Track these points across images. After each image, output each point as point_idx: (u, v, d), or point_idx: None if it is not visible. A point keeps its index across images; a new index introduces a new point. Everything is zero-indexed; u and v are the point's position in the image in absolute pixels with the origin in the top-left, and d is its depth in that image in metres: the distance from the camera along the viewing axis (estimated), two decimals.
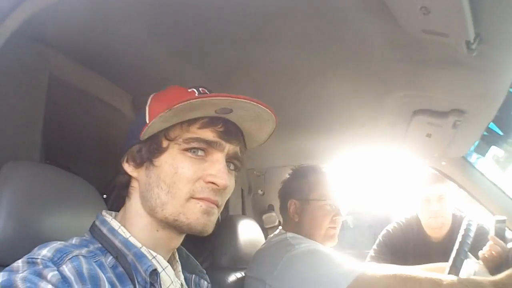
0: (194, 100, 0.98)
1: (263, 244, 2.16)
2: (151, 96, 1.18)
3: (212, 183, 1.05)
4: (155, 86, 1.45)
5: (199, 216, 1.05)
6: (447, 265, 2.02)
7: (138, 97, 1.71)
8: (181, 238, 1.15)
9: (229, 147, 1.10)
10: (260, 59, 1.58)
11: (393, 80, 1.75)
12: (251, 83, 1.74)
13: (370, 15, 1.29)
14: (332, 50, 1.49)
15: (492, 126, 2.13)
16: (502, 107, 1.84)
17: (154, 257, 1.06)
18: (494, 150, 2.33)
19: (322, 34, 1.39)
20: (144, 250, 1.05)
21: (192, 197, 1.05)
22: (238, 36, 1.41)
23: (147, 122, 1.06)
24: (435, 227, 2.82)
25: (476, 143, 2.42)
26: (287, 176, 2.29)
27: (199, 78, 1.65)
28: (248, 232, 2.47)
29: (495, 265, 2.12)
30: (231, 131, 1.10)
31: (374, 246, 2.99)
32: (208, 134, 1.07)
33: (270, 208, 3.10)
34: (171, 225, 1.07)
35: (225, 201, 1.14)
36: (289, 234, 2.03)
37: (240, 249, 2.31)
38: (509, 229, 2.36)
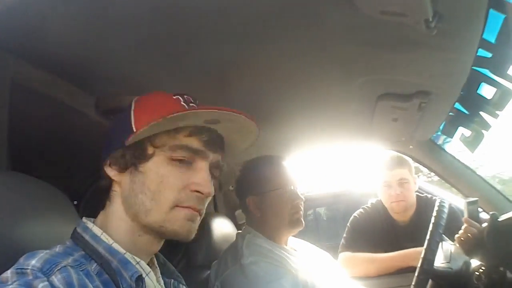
0: (186, 112, 1.01)
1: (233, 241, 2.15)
2: (134, 100, 1.17)
3: (197, 191, 1.07)
4: (117, 86, 1.42)
5: (184, 223, 1.06)
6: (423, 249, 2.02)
7: (101, 98, 1.67)
8: (161, 243, 1.15)
9: (213, 157, 1.12)
10: (231, 54, 1.54)
11: (354, 65, 1.73)
12: (222, 78, 1.72)
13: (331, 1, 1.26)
14: (293, 38, 1.46)
15: (458, 106, 2.12)
16: (466, 86, 1.84)
17: (137, 263, 1.06)
18: (461, 131, 2.33)
19: (281, 22, 1.36)
20: (128, 256, 1.05)
21: (176, 205, 1.06)
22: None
23: (133, 128, 1.07)
24: (397, 211, 2.84)
25: (443, 124, 2.42)
26: (238, 173, 2.27)
27: (174, 81, 1.65)
28: (221, 230, 2.47)
29: (471, 247, 2.11)
30: (215, 140, 1.12)
31: (344, 234, 2.98)
32: (194, 142, 1.08)
33: None
34: (154, 231, 1.08)
35: (205, 208, 1.14)
36: (248, 237, 2.04)
37: (214, 246, 2.31)
38: (482, 209, 2.37)
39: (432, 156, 2.71)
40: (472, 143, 2.32)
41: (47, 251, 0.96)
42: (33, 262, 0.90)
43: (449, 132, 2.42)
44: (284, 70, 1.72)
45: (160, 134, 1.07)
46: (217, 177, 1.17)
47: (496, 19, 1.36)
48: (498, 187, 2.85)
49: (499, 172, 14.65)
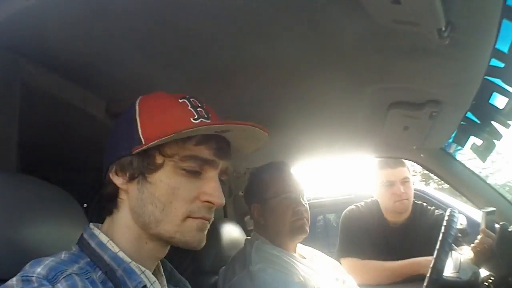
0: (204, 127, 1.01)
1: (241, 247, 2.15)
2: (138, 104, 1.13)
3: (209, 202, 1.06)
4: (125, 87, 1.42)
5: (195, 234, 1.05)
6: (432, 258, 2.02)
7: (112, 103, 1.67)
8: (167, 248, 1.13)
9: (222, 164, 1.10)
10: (237, 58, 1.55)
11: (366, 72, 1.73)
12: (229, 81, 1.72)
13: (341, 8, 1.26)
14: (303, 42, 1.46)
15: (469, 115, 2.11)
16: (478, 95, 1.83)
17: (142, 272, 1.04)
18: (473, 140, 2.32)
19: (291, 26, 1.36)
20: (133, 265, 1.03)
21: (189, 217, 1.04)
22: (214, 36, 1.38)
23: (141, 137, 1.04)
24: (400, 211, 2.80)
25: (454, 133, 2.42)
26: (247, 182, 2.29)
27: (178, 82, 1.65)
28: (230, 236, 2.46)
29: (485, 258, 2.11)
30: (224, 148, 1.10)
31: (339, 235, 3.00)
32: (204, 151, 1.06)
33: None
34: (163, 240, 1.07)
35: None
36: (256, 243, 2.04)
37: (223, 252, 2.31)
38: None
39: (443, 165, 2.70)
40: (483, 152, 2.32)
41: (53, 258, 0.95)
42: (39, 269, 0.89)
43: (461, 141, 2.41)
44: (294, 75, 1.71)
45: (170, 143, 1.05)
46: (225, 182, 1.16)
47: (509, 29, 1.36)
48: (508, 195, 2.83)
49: (510, 181, 14.57)
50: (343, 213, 3.05)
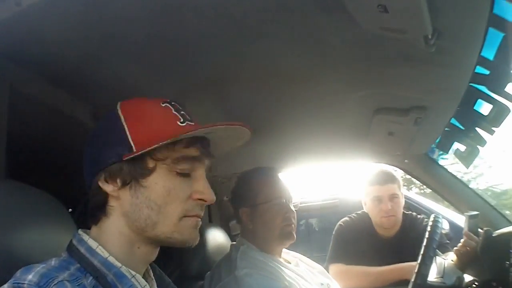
0: (195, 132, 1.04)
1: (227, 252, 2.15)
2: (120, 110, 1.11)
3: (201, 199, 1.09)
4: (114, 93, 1.41)
5: (191, 231, 1.08)
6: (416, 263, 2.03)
7: (99, 108, 1.67)
8: (157, 251, 1.14)
9: (208, 163, 1.13)
10: (226, 64, 1.56)
11: (353, 79, 1.74)
12: (216, 89, 1.72)
13: (329, 15, 1.27)
14: (295, 52, 1.48)
15: (453, 121, 2.13)
16: (463, 102, 1.86)
17: (133, 276, 1.04)
18: (456, 146, 2.35)
19: (280, 31, 1.36)
20: (123, 269, 1.03)
21: (184, 216, 1.06)
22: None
23: (131, 143, 1.04)
24: (387, 227, 2.83)
25: (438, 139, 2.44)
26: (234, 184, 2.26)
27: (170, 88, 1.65)
28: (216, 240, 2.46)
29: (468, 261, 2.13)
30: (207, 147, 1.13)
31: (331, 243, 3.00)
32: (193, 152, 1.08)
33: None
34: (159, 241, 1.09)
35: None
36: (242, 248, 2.02)
37: (208, 257, 2.30)
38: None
39: (427, 170, 2.73)
40: (467, 158, 2.34)
41: (43, 264, 0.95)
42: (30, 277, 0.89)
43: (445, 147, 2.44)
44: (281, 81, 1.72)
45: (159, 147, 1.04)
46: (208, 179, 1.17)
47: (495, 37, 1.37)
48: (491, 200, 2.86)
49: (492, 185, 14.70)
50: (337, 224, 3.06)
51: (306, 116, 2.12)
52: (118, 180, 1.06)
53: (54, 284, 0.89)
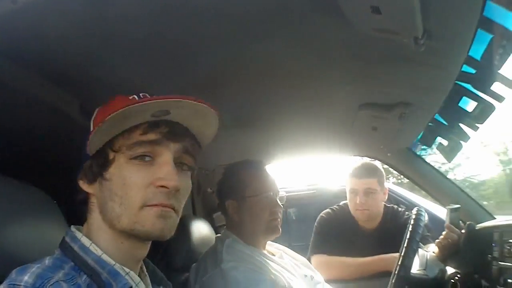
0: (122, 110, 0.97)
1: (212, 244, 2.16)
2: (97, 109, 1.16)
3: (162, 186, 1.03)
4: (109, 90, 1.40)
5: (154, 222, 1.03)
6: (398, 256, 2.07)
7: (86, 103, 1.65)
8: (146, 247, 1.13)
9: (175, 146, 1.08)
10: (214, 55, 1.53)
11: (341, 75, 1.75)
12: (205, 78, 1.70)
13: (322, 15, 1.28)
14: (286, 48, 1.48)
15: (437, 117, 2.16)
16: (448, 99, 1.88)
17: (127, 273, 1.05)
18: (439, 140, 2.38)
19: (275, 33, 1.37)
20: (117, 267, 1.03)
21: (145, 205, 1.03)
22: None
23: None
24: (360, 219, 2.89)
25: (421, 134, 2.47)
26: (221, 176, 2.25)
27: (158, 81, 1.64)
28: (200, 232, 2.45)
29: (450, 253, 2.17)
30: (176, 130, 1.08)
31: (313, 234, 3.03)
32: (151, 136, 1.05)
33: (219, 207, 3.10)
34: (131, 235, 1.05)
35: (182, 204, 1.11)
36: (227, 241, 2.03)
37: (193, 249, 2.29)
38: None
39: (410, 164, 2.77)
40: (450, 152, 2.38)
41: (38, 264, 0.95)
42: (26, 277, 0.89)
43: (428, 142, 2.48)
44: (270, 76, 1.72)
45: (117, 138, 1.05)
46: (192, 166, 1.14)
47: (483, 37, 1.40)
48: (468, 190, 2.91)
49: (470, 176, 14.87)
50: (319, 216, 3.09)
51: (292, 110, 2.13)
52: (89, 176, 1.08)
53: (50, 285, 0.89)
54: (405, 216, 2.84)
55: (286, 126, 2.36)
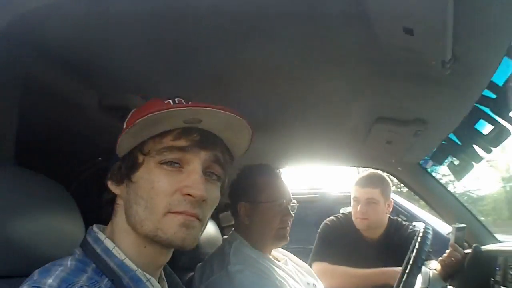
0: (153, 114, 0.97)
1: (219, 245, 2.17)
2: (132, 111, 1.16)
3: (189, 195, 1.01)
4: (121, 84, 1.42)
5: (176, 230, 1.01)
6: (401, 270, 2.08)
7: (106, 95, 1.66)
8: (169, 254, 1.12)
9: (205, 155, 1.06)
10: (227, 54, 1.52)
11: (360, 88, 1.76)
12: (215, 76, 1.69)
13: (349, 26, 1.28)
14: (306, 52, 1.47)
15: (452, 136, 2.18)
16: (465, 120, 1.90)
17: (148, 280, 1.04)
18: (451, 158, 2.40)
19: (296, 35, 1.36)
20: (139, 273, 1.03)
21: (169, 212, 1.01)
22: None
23: None
24: (360, 228, 2.91)
25: (433, 151, 2.49)
26: (235, 177, 2.22)
27: (172, 81, 1.65)
28: (206, 232, 2.45)
29: (452, 271, 2.19)
30: (207, 139, 1.07)
31: (316, 241, 3.05)
32: (181, 142, 1.04)
33: (227, 207, 3.10)
34: (152, 241, 1.04)
35: (208, 214, 1.10)
36: (235, 244, 2.03)
37: (198, 249, 2.30)
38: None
39: (419, 180, 2.79)
40: (460, 171, 2.40)
41: (61, 267, 0.94)
42: (50, 281, 0.88)
43: (439, 159, 2.49)
44: (287, 80, 1.71)
45: (148, 141, 1.04)
46: (220, 175, 1.11)
47: (508, 66, 1.42)
48: (467, 205, 2.93)
49: (469, 190, 14.81)
50: (323, 222, 3.11)
51: (307, 117, 2.13)
52: (117, 178, 1.09)
53: None
54: (409, 230, 2.85)
55: (299, 132, 2.37)
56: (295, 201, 2.16)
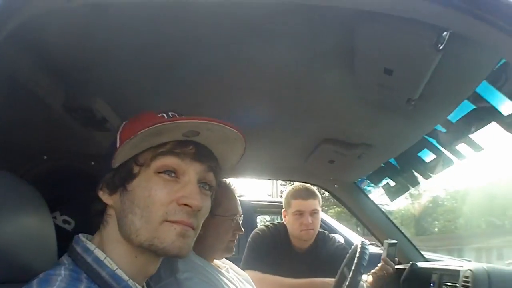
0: (156, 126, 0.98)
1: None
2: (123, 123, 1.17)
3: (186, 205, 1.02)
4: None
5: (174, 239, 1.02)
6: (334, 282, 2.20)
7: (70, 95, 1.63)
8: (158, 263, 1.13)
9: (200, 167, 1.07)
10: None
11: (314, 110, 1.82)
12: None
13: (334, 60, 1.35)
14: (289, 68, 1.49)
15: (392, 160, 2.31)
16: (409, 148, 2.03)
17: None
18: (387, 180, 2.54)
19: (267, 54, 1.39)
20: (131, 283, 1.03)
21: (165, 220, 1.01)
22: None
23: (117, 148, 1.05)
24: (306, 239, 2.94)
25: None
26: None
27: (160, 85, 1.65)
28: None
29: (382, 283, 2.33)
30: (202, 152, 1.08)
31: (246, 250, 3.06)
32: (179, 155, 1.05)
33: None
34: (148, 250, 1.04)
35: (201, 223, 1.11)
36: None
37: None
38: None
39: (354, 198, 2.90)
40: (394, 193, 2.55)
41: (59, 277, 0.94)
42: None
43: (375, 180, 2.63)
44: (249, 89, 1.71)
45: (143, 153, 1.04)
46: (213, 185, 1.13)
47: (466, 107, 1.54)
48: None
49: (378, 204, 15.28)
50: (253, 231, 3.14)
51: (261, 130, 2.13)
52: (110, 187, 1.09)
53: None
54: (337, 243, 2.97)
55: (256, 146, 2.38)
56: (242, 215, 2.21)
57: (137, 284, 1.05)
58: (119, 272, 1.03)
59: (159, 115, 1.12)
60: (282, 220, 3.06)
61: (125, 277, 1.03)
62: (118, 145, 1.08)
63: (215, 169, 1.13)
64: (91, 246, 1.05)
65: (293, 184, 3.08)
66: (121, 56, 1.43)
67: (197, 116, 1.02)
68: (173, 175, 1.05)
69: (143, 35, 1.31)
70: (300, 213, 2.88)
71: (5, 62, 1.28)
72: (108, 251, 1.05)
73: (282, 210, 3.03)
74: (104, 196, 1.10)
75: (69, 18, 1.17)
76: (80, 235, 1.09)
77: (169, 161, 1.05)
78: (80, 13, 1.16)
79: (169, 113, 1.12)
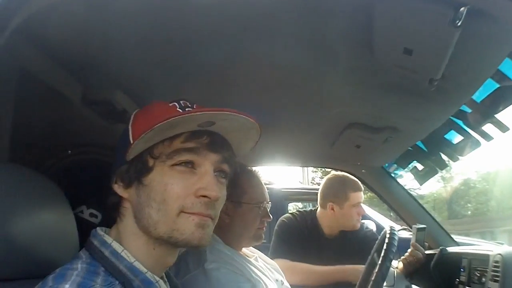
0: (173, 119, 0.97)
1: None
2: (134, 113, 1.17)
3: (204, 196, 1.03)
4: (114, 81, 1.41)
5: (193, 230, 1.02)
6: (364, 268, 2.18)
7: (89, 89, 1.63)
8: (176, 254, 1.13)
9: (215, 156, 1.08)
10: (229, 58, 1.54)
11: (340, 95, 1.81)
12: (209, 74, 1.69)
13: (353, 42, 1.34)
14: (291, 55, 1.48)
15: (419, 143, 2.27)
16: (435, 129, 1.99)
17: (157, 282, 1.06)
18: (415, 164, 2.50)
19: (288, 36, 1.38)
20: (149, 275, 1.04)
21: (182, 211, 1.02)
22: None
23: (131, 142, 1.05)
24: (357, 228, 2.93)
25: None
26: None
27: (169, 81, 1.66)
28: None
29: (413, 269, 2.31)
30: (216, 141, 1.08)
31: (273, 239, 3.07)
32: (190, 144, 1.05)
33: None
34: (165, 243, 1.04)
35: (219, 212, 1.12)
36: (212, 241, 2.05)
37: None
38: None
39: (382, 182, 2.88)
40: (423, 176, 2.51)
41: (75, 271, 0.94)
42: (67, 286, 0.88)
43: (403, 164, 2.59)
44: (268, 81, 1.72)
45: (158, 145, 1.04)
46: (228, 173, 1.14)
47: (490, 85, 1.51)
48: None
49: (410, 188, 15.14)
50: (279, 219, 3.13)
51: (285, 117, 2.16)
52: (125, 181, 1.09)
53: None
54: (365, 229, 2.95)
55: (274, 133, 2.39)
56: (270, 202, 2.21)
57: (155, 276, 1.06)
58: (137, 264, 1.03)
59: (170, 104, 1.11)
60: (312, 207, 3.04)
61: (143, 269, 1.04)
62: (131, 137, 1.08)
63: (230, 157, 1.13)
64: (108, 239, 1.06)
65: (324, 171, 3.06)
66: (133, 50, 1.44)
67: (211, 107, 1.01)
68: (189, 166, 1.05)
69: (149, 30, 1.32)
70: (356, 205, 2.86)
71: (18, 58, 1.31)
72: (125, 244, 1.06)
73: (329, 202, 2.93)
74: (119, 189, 1.10)
75: (79, 10, 1.18)
76: (98, 228, 1.10)
77: (185, 157, 1.05)
78: (90, 5, 1.18)
79: (181, 102, 1.12)
